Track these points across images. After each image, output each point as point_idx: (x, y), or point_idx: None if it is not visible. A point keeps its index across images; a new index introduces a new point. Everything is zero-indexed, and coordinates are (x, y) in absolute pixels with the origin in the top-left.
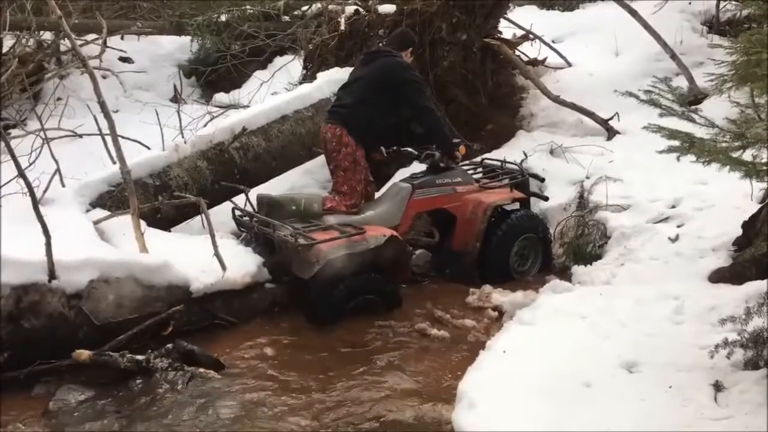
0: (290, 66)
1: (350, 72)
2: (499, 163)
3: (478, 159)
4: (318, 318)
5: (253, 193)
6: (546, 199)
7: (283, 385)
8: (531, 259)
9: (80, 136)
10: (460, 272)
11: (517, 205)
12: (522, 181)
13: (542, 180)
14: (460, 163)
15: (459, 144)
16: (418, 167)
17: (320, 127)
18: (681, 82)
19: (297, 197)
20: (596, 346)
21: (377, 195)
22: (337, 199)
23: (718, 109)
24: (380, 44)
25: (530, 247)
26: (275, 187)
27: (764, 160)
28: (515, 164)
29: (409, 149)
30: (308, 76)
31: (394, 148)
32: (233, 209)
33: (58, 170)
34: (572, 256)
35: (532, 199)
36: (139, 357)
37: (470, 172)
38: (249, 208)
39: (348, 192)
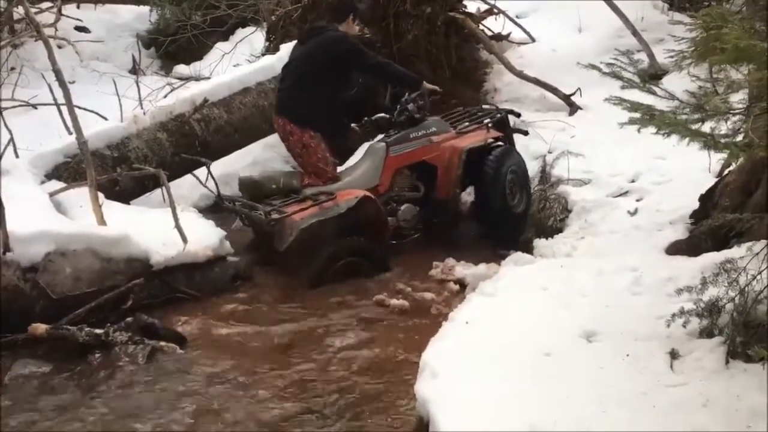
0: (252, 38)
1: (291, 50)
2: (476, 109)
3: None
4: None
5: (215, 166)
6: (526, 133)
7: (245, 358)
8: (518, 195)
9: (35, 106)
10: (446, 220)
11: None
12: (500, 119)
13: (518, 115)
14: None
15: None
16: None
17: None
18: (642, 59)
19: (276, 175)
20: (556, 316)
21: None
22: (313, 177)
23: (678, 85)
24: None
25: (516, 182)
26: (237, 160)
27: (722, 132)
28: (492, 105)
29: (381, 114)
30: (271, 48)
31: (365, 119)
32: (219, 196)
33: (11, 140)
34: (534, 230)
35: None
36: (98, 331)
37: (448, 119)
38: (211, 183)
39: (315, 172)
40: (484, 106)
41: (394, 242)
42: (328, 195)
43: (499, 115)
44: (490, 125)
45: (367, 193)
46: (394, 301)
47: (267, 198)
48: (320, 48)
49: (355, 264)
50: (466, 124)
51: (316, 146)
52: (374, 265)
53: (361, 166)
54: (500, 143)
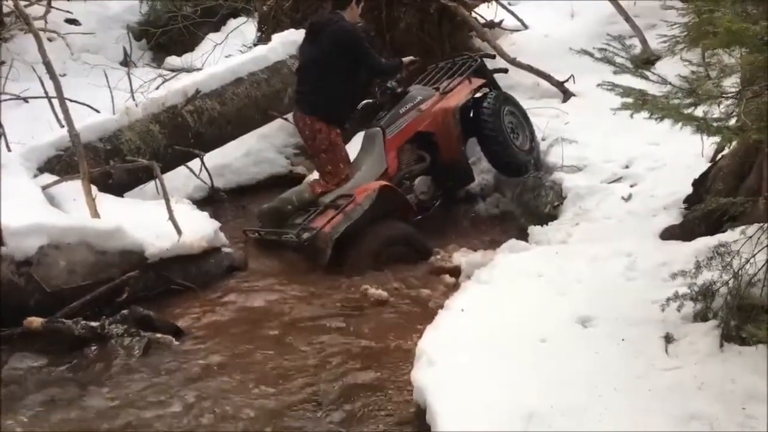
0: (244, 28)
1: (300, 47)
2: (450, 63)
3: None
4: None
5: (209, 157)
6: (506, 71)
7: (241, 349)
8: (521, 134)
9: (26, 100)
10: (460, 179)
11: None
12: (478, 66)
13: (493, 57)
14: (416, 81)
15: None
16: None
17: (276, 89)
18: (634, 44)
19: (287, 196)
20: (552, 302)
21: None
22: (325, 180)
23: (670, 70)
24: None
25: (515, 123)
26: (231, 152)
27: (715, 116)
28: (466, 53)
29: (366, 101)
30: (263, 38)
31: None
32: (244, 231)
33: (3, 134)
34: (529, 217)
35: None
36: (94, 323)
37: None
38: (204, 174)
39: (333, 171)
40: (456, 58)
41: (419, 217)
42: (346, 197)
43: (475, 63)
44: (470, 76)
45: (382, 182)
46: (371, 290)
47: (288, 219)
48: (331, 42)
49: (400, 252)
50: (447, 82)
51: (340, 144)
52: (417, 251)
53: (364, 158)
54: (486, 90)
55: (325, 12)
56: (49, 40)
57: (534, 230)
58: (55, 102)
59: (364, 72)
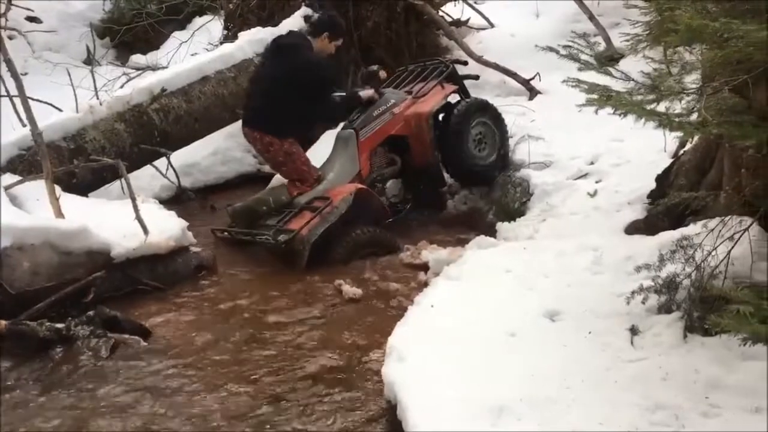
0: (210, 26)
1: (261, 57)
2: (420, 66)
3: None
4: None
5: (176, 156)
6: (477, 77)
7: (209, 349)
8: (488, 148)
9: None
10: (431, 184)
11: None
12: (450, 72)
13: (465, 63)
14: (386, 83)
15: (375, 72)
16: None
17: (243, 87)
18: (598, 42)
19: (263, 197)
20: (520, 297)
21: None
22: (298, 185)
23: (634, 68)
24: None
25: (486, 133)
26: (198, 150)
27: (677, 112)
28: (437, 58)
29: (338, 93)
30: (229, 36)
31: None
32: (213, 230)
33: None
34: (497, 214)
35: None
36: (59, 325)
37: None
38: (171, 173)
39: (300, 178)
40: (427, 62)
41: (390, 220)
42: (323, 200)
43: (447, 69)
44: (442, 81)
45: (359, 185)
46: (345, 287)
47: (260, 220)
48: (290, 69)
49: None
50: (419, 86)
51: (297, 151)
52: (387, 250)
53: (337, 159)
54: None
55: (295, 34)
56: (10, 38)
57: (502, 226)
58: (17, 101)
59: (320, 110)
